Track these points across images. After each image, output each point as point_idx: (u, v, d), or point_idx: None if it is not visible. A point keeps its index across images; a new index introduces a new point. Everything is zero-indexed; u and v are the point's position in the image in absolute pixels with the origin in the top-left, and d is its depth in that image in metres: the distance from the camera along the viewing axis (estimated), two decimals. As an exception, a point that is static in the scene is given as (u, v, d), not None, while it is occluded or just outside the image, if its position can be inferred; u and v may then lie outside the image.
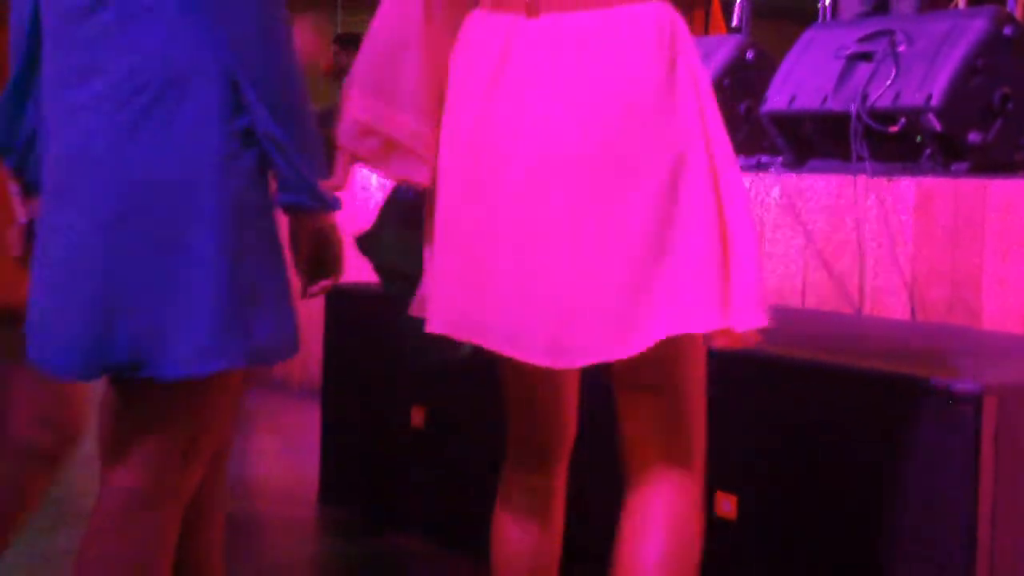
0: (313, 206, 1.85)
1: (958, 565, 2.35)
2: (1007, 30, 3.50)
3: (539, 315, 1.85)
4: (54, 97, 1.89)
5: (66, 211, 1.83)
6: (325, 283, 1.93)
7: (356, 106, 1.96)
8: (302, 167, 1.81)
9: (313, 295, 1.95)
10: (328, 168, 1.89)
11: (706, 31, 6.05)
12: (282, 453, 4.76)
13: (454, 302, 1.95)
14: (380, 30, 2.00)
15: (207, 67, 1.79)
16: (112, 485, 1.90)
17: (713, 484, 2.73)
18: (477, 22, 1.98)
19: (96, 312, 1.79)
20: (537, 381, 2.08)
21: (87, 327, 1.79)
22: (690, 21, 5.99)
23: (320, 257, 1.90)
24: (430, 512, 3.49)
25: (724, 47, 4.27)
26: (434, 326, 1.98)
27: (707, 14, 6.15)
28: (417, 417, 3.54)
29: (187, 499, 1.93)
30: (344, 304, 3.81)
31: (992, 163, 3.45)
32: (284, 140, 1.79)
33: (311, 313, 5.14)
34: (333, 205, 1.86)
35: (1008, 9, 4.25)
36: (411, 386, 3.58)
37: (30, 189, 2.02)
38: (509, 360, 1.95)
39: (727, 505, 2.70)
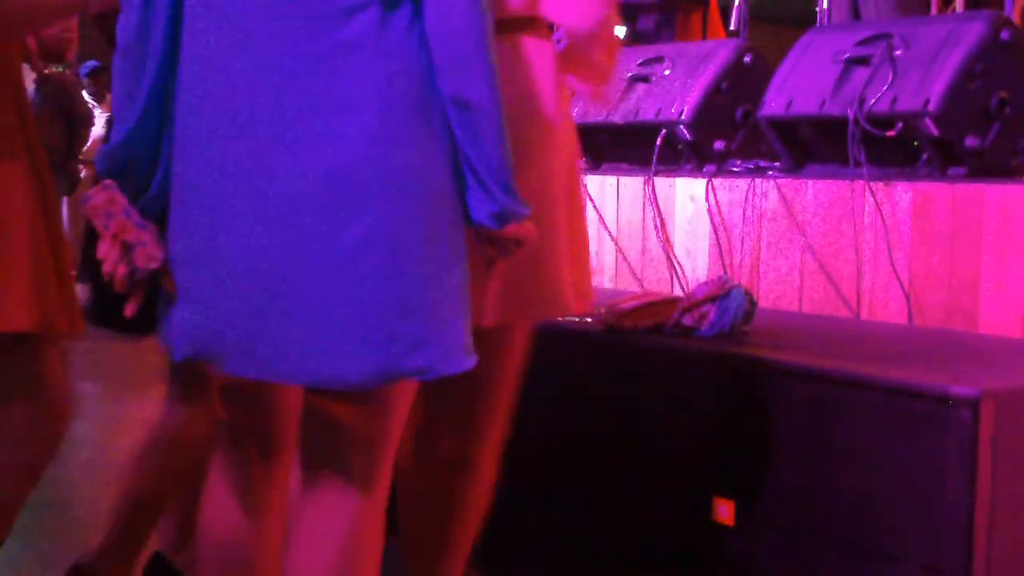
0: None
1: (955, 569, 2.35)
2: (1004, 34, 3.50)
3: None
4: (264, 112, 1.82)
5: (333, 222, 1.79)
6: None
7: None
8: None
9: None
10: None
11: (704, 35, 6.05)
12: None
13: None
14: None
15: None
16: (329, 494, 1.93)
17: (711, 490, 2.74)
18: None
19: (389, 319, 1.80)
20: None
21: (381, 335, 1.79)
22: (687, 24, 6.00)
23: None
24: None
25: (722, 51, 4.27)
26: None
27: (705, 18, 6.15)
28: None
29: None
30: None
31: (989, 168, 3.45)
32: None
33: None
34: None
35: (1006, 13, 4.25)
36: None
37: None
38: None
39: (725, 511, 2.70)
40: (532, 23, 2.23)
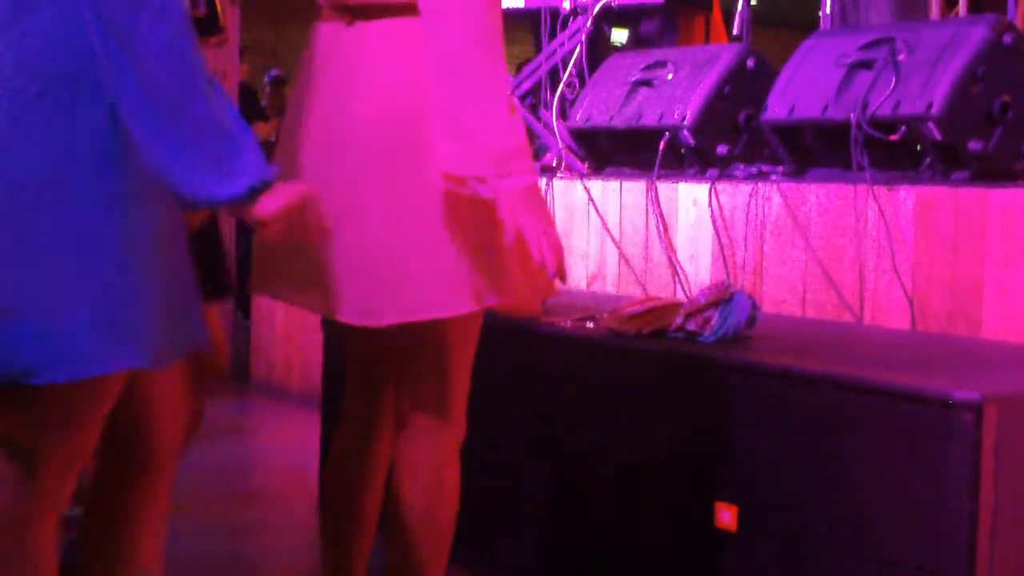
0: None
1: (958, 574, 2.35)
2: (1007, 38, 3.50)
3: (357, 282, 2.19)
4: None
5: None
6: None
7: None
8: None
9: None
10: None
11: (707, 39, 6.04)
12: (282, 461, 4.76)
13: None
14: None
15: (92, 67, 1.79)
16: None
17: (713, 494, 2.74)
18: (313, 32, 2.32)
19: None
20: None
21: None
22: (690, 29, 5.99)
23: None
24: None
25: (725, 55, 4.27)
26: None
27: (707, 22, 6.14)
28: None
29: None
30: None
31: (992, 172, 3.45)
32: None
33: (311, 321, 5.14)
34: None
35: (1008, 17, 4.25)
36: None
37: None
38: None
39: (727, 516, 2.69)
40: (411, 7, 2.13)
